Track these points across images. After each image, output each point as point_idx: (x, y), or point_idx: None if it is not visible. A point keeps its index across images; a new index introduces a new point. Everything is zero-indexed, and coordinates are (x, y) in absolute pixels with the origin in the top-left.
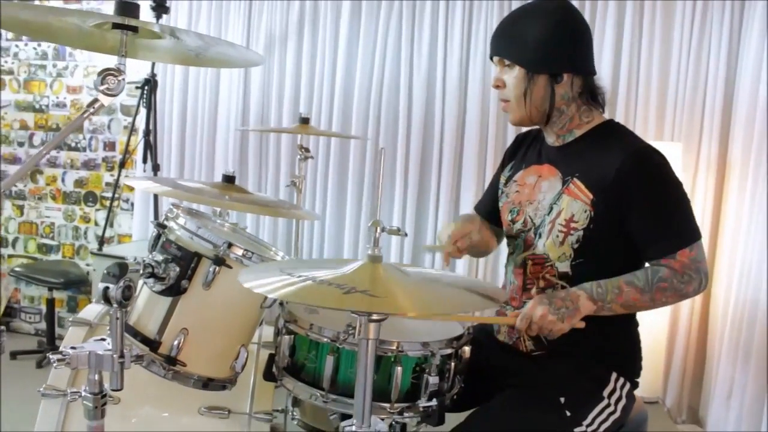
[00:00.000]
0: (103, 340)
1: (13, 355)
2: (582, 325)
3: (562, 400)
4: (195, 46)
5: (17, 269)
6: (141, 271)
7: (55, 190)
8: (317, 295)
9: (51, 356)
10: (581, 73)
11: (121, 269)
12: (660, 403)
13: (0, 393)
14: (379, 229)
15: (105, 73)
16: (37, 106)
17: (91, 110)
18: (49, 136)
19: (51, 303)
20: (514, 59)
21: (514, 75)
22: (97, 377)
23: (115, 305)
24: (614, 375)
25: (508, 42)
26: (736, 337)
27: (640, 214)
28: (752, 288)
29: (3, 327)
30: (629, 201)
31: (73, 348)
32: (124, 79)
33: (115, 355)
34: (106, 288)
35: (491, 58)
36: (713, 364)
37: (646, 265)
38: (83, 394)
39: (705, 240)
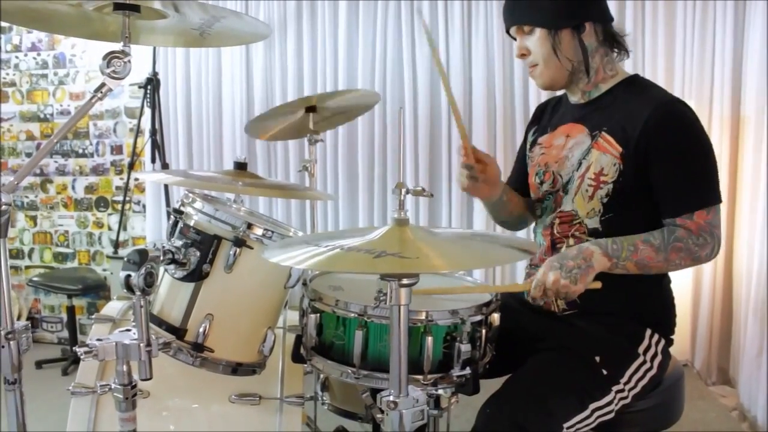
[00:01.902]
0: (128, 330)
1: (39, 364)
2: (598, 285)
3: (598, 359)
4: (199, 23)
5: (35, 279)
6: (161, 258)
7: (67, 198)
8: (348, 262)
9: (78, 349)
10: (600, 20)
11: (141, 256)
12: (689, 366)
13: (21, 395)
14: (403, 192)
15: (110, 56)
16: (42, 116)
17: (99, 95)
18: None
19: (71, 310)
20: (533, 23)
21: (536, 38)
22: (125, 368)
23: (138, 293)
24: (648, 331)
25: (521, 9)
26: (763, 293)
27: (663, 167)
28: None
29: (28, 322)
30: (654, 153)
31: (99, 340)
32: (129, 61)
33: (141, 344)
34: (128, 276)
35: (508, 32)
36: (740, 323)
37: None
38: (113, 386)
39: (723, 196)
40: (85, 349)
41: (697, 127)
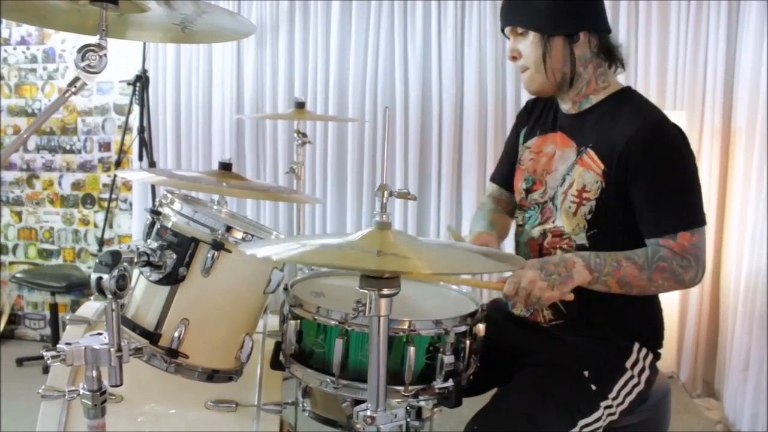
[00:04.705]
0: (100, 334)
1: (19, 361)
2: (571, 297)
3: (586, 373)
4: (181, 18)
5: (18, 275)
6: (136, 260)
7: (53, 194)
8: (354, 259)
9: (45, 353)
10: (596, 31)
11: (113, 257)
12: (674, 378)
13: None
14: (386, 194)
15: (85, 49)
16: (30, 111)
17: (73, 89)
18: (43, 140)
19: (54, 308)
20: (527, 26)
21: (529, 41)
22: (95, 373)
23: (109, 296)
24: (636, 345)
25: (518, 10)
26: (751, 307)
27: (644, 187)
28: (765, 254)
29: None
30: (635, 172)
31: (68, 344)
32: (105, 55)
33: (112, 349)
34: (100, 278)
35: (503, 31)
36: (727, 336)
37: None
38: (81, 392)
39: (712, 209)
40: (53, 353)
41: (681, 147)
